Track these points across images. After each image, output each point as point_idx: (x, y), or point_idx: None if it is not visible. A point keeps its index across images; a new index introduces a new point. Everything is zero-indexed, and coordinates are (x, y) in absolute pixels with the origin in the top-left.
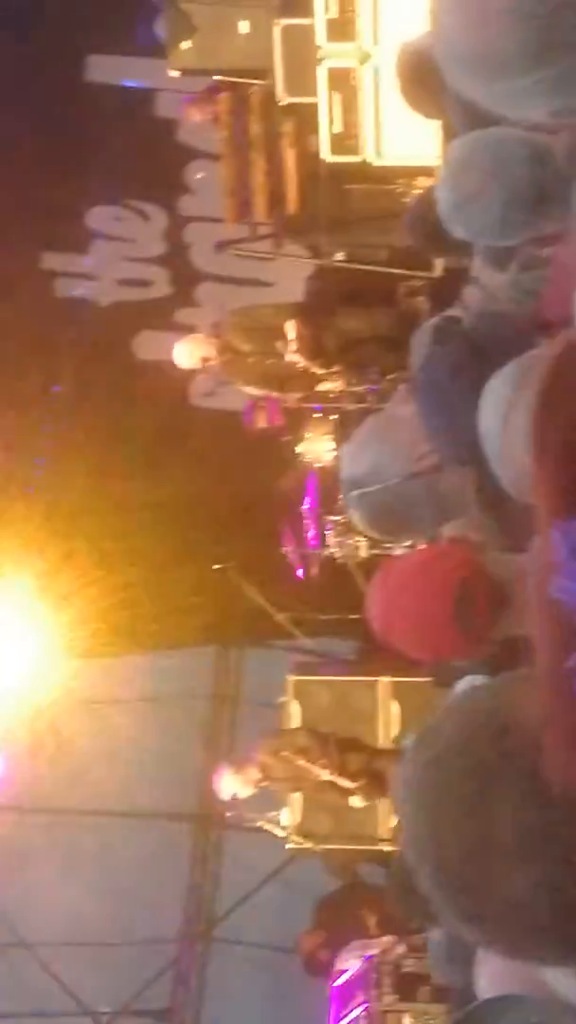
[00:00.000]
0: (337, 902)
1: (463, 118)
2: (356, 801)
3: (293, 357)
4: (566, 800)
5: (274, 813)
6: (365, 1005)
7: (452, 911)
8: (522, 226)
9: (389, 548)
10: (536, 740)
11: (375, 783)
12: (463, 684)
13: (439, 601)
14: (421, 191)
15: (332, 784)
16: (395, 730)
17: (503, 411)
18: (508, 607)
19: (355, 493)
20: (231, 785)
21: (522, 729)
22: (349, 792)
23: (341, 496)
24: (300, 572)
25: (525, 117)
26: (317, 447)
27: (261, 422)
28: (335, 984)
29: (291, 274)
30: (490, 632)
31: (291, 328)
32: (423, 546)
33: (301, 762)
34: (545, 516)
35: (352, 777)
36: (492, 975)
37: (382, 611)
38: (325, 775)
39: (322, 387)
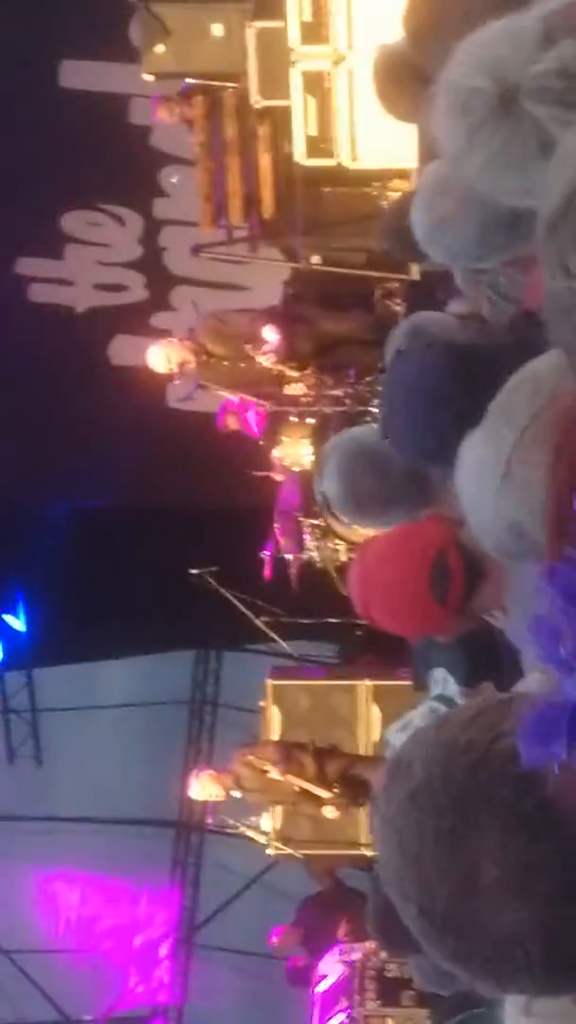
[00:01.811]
0: (318, 904)
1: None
2: (329, 812)
3: (267, 360)
4: (550, 830)
5: (255, 819)
6: (348, 1010)
7: (438, 952)
8: (499, 248)
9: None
10: (514, 771)
11: (354, 789)
12: (436, 676)
13: (416, 572)
14: (394, 200)
15: (307, 794)
16: (375, 734)
17: (500, 470)
18: (484, 578)
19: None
20: (202, 790)
21: (501, 760)
22: (323, 803)
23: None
24: (278, 576)
25: None
26: (294, 451)
27: (233, 425)
28: (318, 990)
29: (267, 278)
30: (467, 603)
31: (270, 332)
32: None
33: (274, 774)
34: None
35: (329, 785)
36: None
37: (361, 585)
38: (299, 785)
39: (297, 390)
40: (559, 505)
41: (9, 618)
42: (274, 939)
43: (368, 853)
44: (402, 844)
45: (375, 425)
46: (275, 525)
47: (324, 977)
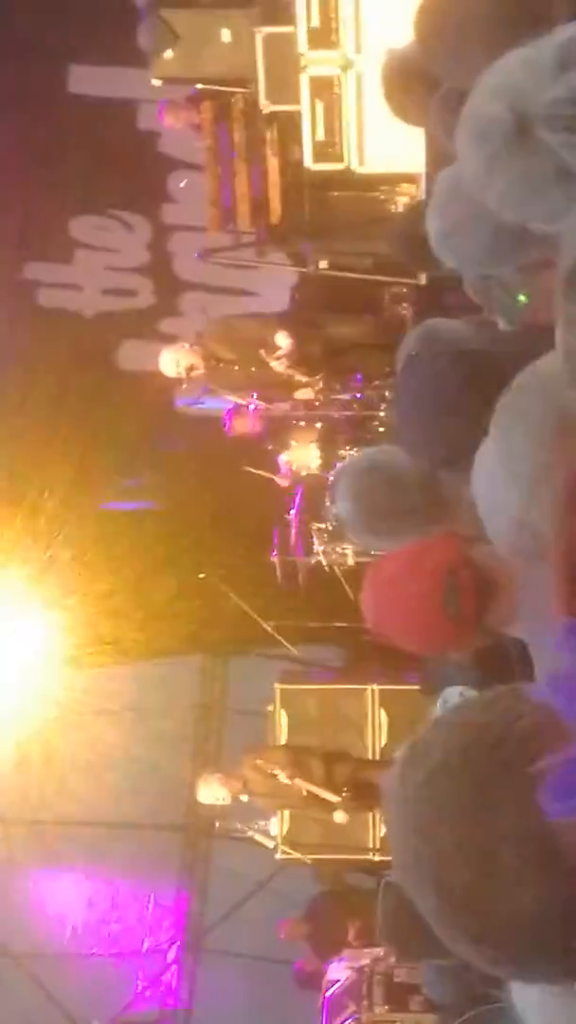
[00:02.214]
0: (328, 905)
1: (446, 127)
2: (339, 816)
3: (276, 365)
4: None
5: (263, 823)
6: (356, 1016)
7: (456, 933)
8: (509, 255)
9: (376, 556)
10: (533, 750)
11: (362, 794)
12: (449, 693)
13: (428, 590)
14: (405, 207)
15: (315, 798)
16: (383, 738)
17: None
18: (497, 596)
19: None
20: (210, 794)
21: (518, 739)
22: (332, 807)
23: (328, 502)
24: (287, 580)
25: None
26: (303, 455)
27: (240, 428)
28: (326, 994)
29: (275, 282)
30: (478, 620)
31: (282, 338)
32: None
33: (282, 778)
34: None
35: (338, 789)
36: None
37: (374, 604)
38: (307, 789)
39: (306, 394)
40: (573, 563)
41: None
42: (281, 932)
43: (376, 858)
44: (420, 824)
45: (386, 445)
46: (284, 528)
47: (333, 982)
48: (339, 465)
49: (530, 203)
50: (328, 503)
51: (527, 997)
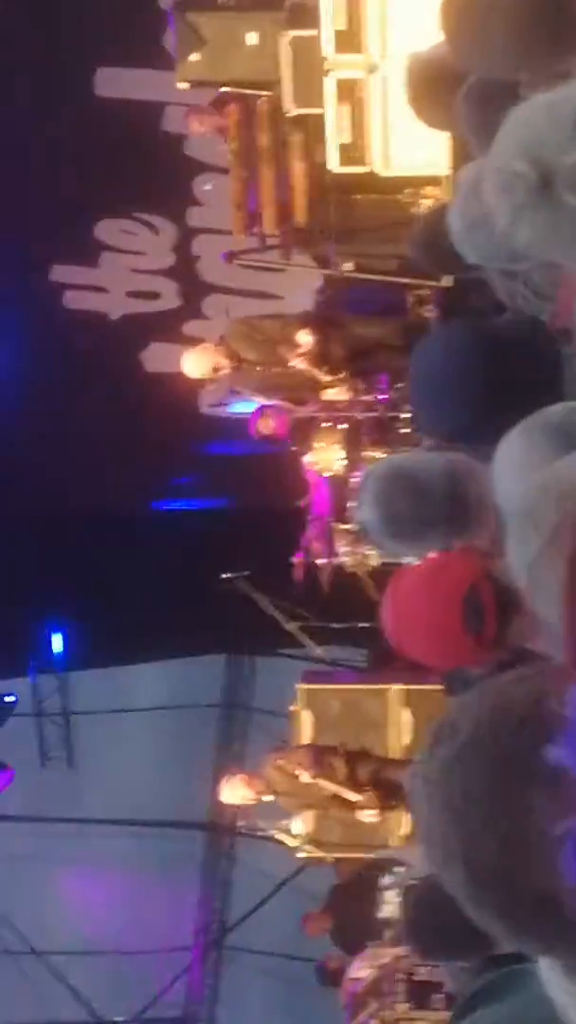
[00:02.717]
0: (348, 896)
1: (472, 128)
2: (367, 816)
3: (299, 364)
4: None
5: (285, 822)
6: (377, 1013)
7: (484, 908)
8: None
9: (399, 558)
10: (559, 728)
11: (385, 792)
12: None
13: (448, 607)
14: (427, 212)
15: (339, 798)
16: (406, 738)
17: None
18: (517, 612)
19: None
20: (233, 794)
21: (543, 717)
22: (356, 806)
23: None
24: (310, 580)
25: None
26: (327, 456)
27: (264, 430)
28: (348, 992)
29: (300, 285)
30: (500, 637)
31: (304, 336)
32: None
33: (305, 778)
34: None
35: (361, 788)
36: None
37: (394, 618)
38: (331, 789)
39: (330, 395)
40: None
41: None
42: (306, 928)
43: (397, 856)
44: (448, 802)
45: (413, 452)
46: (309, 529)
47: (354, 979)
48: (365, 469)
49: (556, 251)
50: (353, 506)
51: (554, 976)
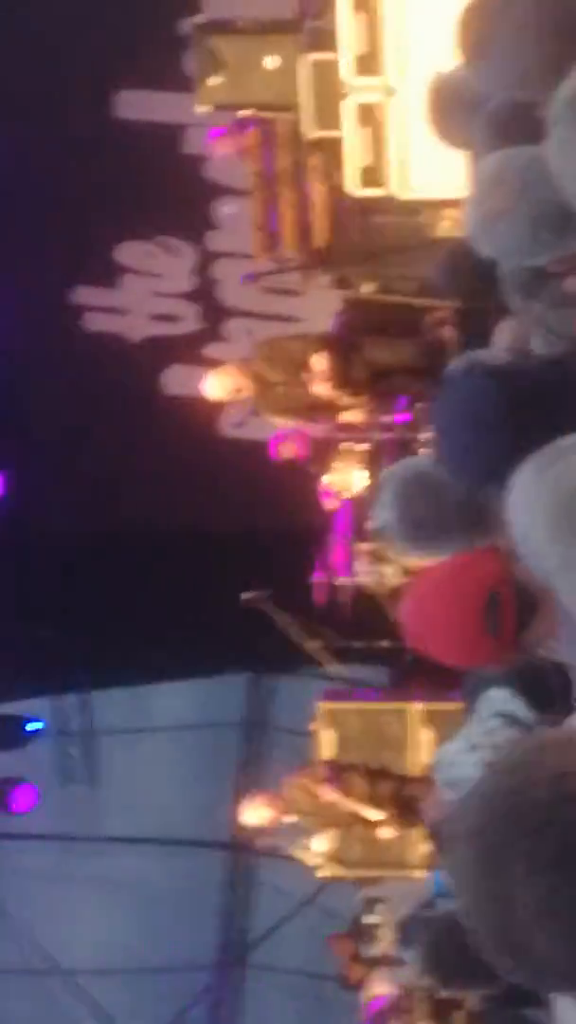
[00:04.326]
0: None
1: (489, 144)
2: (386, 832)
3: (320, 387)
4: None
5: (306, 841)
6: None
7: (499, 966)
8: (550, 244)
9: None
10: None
11: (405, 811)
12: (493, 696)
13: (468, 608)
14: (454, 240)
15: (359, 816)
16: (426, 756)
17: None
18: (537, 614)
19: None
20: (254, 814)
21: (526, 808)
22: (377, 824)
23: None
24: (330, 600)
25: None
26: (346, 477)
27: (286, 453)
28: (369, 1009)
29: (319, 308)
30: (519, 638)
31: (320, 360)
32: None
33: (328, 796)
34: None
35: (381, 806)
36: None
37: (413, 618)
38: (351, 807)
39: (350, 417)
40: None
41: None
42: (333, 948)
43: (418, 875)
44: (459, 874)
45: (431, 452)
46: (328, 549)
47: (376, 996)
48: (384, 472)
49: None
50: (371, 510)
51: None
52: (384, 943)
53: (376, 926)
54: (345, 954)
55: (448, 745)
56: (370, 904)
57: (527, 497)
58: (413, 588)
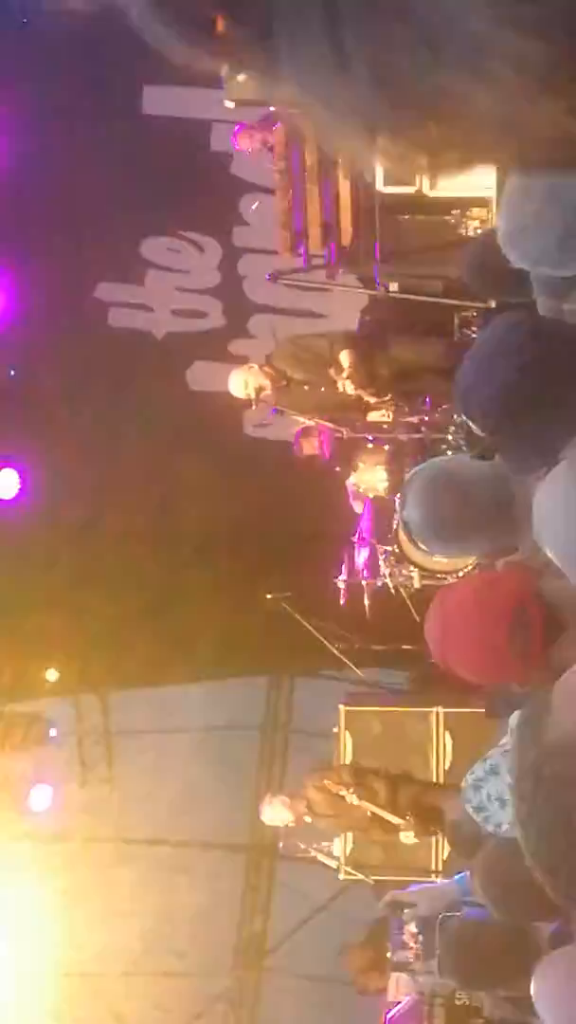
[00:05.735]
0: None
1: None
2: (407, 837)
3: (345, 386)
4: None
5: (326, 844)
6: None
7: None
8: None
9: (443, 579)
10: None
11: (426, 817)
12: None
13: (494, 626)
14: (480, 235)
15: (379, 820)
16: (448, 761)
17: None
18: (564, 632)
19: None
20: (274, 816)
21: None
22: (396, 828)
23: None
24: (353, 602)
25: None
26: (370, 477)
27: (308, 450)
28: (388, 1015)
29: (345, 305)
30: (545, 657)
31: (345, 357)
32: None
33: (347, 798)
34: None
35: (402, 812)
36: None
37: (439, 636)
38: (371, 811)
39: (375, 416)
40: None
41: None
42: (347, 961)
43: (439, 879)
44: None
45: (458, 454)
46: (351, 551)
47: (394, 1003)
48: (411, 470)
49: None
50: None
51: None
52: (407, 947)
53: (399, 930)
54: (358, 966)
55: (475, 768)
56: (393, 908)
57: (566, 502)
58: (439, 603)
